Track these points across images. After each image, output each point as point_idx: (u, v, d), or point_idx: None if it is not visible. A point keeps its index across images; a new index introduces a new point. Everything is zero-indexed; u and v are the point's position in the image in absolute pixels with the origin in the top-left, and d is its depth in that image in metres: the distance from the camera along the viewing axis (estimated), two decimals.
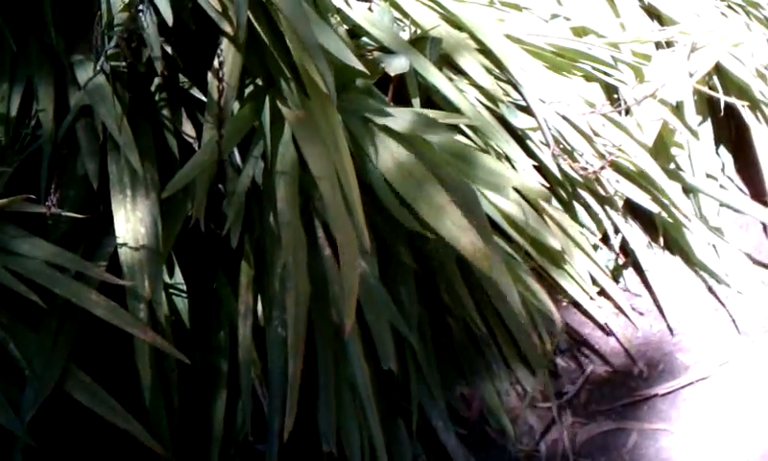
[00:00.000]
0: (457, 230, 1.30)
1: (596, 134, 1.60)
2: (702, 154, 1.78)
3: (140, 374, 1.25)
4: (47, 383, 1.24)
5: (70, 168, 1.35)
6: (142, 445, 1.26)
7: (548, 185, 1.59)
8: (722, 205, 1.78)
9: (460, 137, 1.52)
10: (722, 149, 1.89)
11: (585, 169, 1.51)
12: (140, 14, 1.25)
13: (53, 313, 1.27)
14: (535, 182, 1.52)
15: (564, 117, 1.59)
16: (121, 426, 1.25)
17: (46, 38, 1.40)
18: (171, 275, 1.38)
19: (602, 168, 1.47)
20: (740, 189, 1.86)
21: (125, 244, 1.28)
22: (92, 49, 1.33)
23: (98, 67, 1.33)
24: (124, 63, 1.37)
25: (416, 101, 1.53)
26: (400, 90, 1.54)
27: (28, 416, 1.22)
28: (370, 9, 1.60)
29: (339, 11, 1.54)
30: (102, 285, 1.27)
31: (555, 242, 1.53)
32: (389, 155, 1.37)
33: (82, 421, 1.28)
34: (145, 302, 1.27)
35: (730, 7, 1.93)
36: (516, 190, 1.50)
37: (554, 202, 1.59)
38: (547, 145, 1.57)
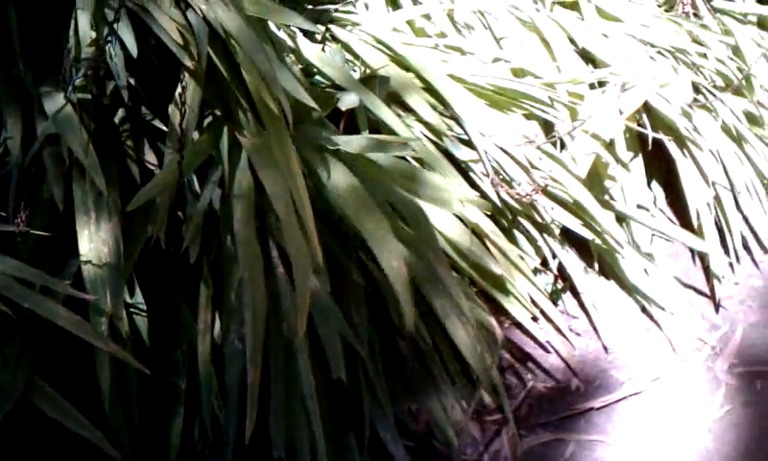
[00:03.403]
0: (393, 259, 1.41)
1: (533, 167, 1.71)
2: (634, 186, 1.89)
3: (100, 383, 1.30)
4: (12, 394, 1.28)
5: (37, 192, 1.41)
6: (104, 455, 1.31)
7: (489, 214, 1.69)
8: (653, 233, 1.89)
9: None
10: (654, 183, 2.00)
11: (519, 195, 1.61)
12: (107, 47, 1.34)
13: (18, 327, 1.32)
14: (474, 196, 1.63)
15: (503, 149, 1.69)
16: (83, 435, 1.29)
17: (14, 70, 1.46)
18: (132, 295, 1.45)
19: (534, 191, 1.57)
20: (671, 221, 1.96)
21: (88, 261, 1.35)
22: (60, 80, 1.41)
23: (66, 96, 1.41)
24: (90, 95, 1.45)
25: (365, 133, 1.63)
26: (350, 124, 1.64)
27: None
28: (323, 49, 1.71)
29: (294, 51, 1.65)
30: (66, 303, 1.33)
31: (496, 267, 1.63)
32: (340, 178, 1.46)
33: (46, 431, 1.32)
34: (107, 316, 1.34)
35: (659, 53, 2.06)
36: (459, 218, 1.60)
37: (495, 228, 1.68)
38: (487, 175, 1.68)
